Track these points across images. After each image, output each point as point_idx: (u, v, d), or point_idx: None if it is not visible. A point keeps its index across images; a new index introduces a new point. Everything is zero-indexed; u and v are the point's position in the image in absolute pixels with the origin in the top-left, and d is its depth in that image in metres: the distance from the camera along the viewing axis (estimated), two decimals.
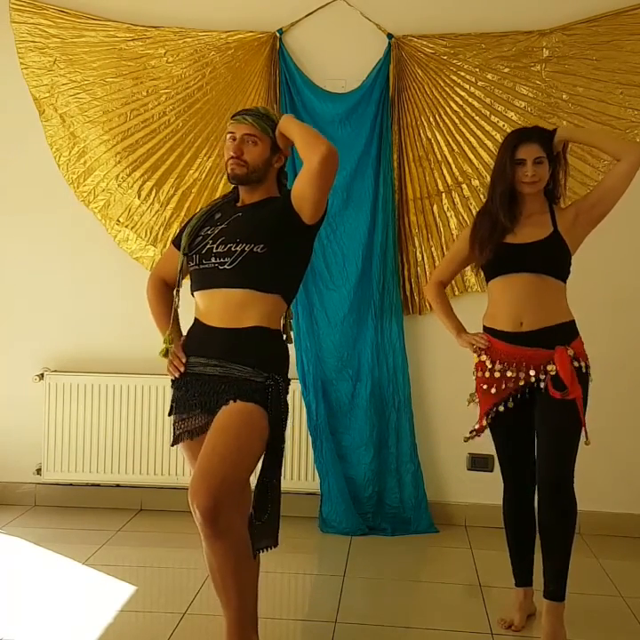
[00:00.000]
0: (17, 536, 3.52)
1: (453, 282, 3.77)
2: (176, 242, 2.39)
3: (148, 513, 3.88)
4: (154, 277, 2.51)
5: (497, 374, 2.58)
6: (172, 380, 2.30)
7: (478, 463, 3.80)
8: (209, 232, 2.26)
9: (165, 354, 2.30)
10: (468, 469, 3.82)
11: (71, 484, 3.92)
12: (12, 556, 3.31)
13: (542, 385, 2.52)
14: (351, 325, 3.75)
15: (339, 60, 3.79)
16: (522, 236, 2.58)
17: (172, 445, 2.31)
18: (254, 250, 2.16)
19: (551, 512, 2.53)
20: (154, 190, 3.86)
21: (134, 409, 3.84)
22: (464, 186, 3.76)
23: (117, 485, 3.92)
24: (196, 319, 2.30)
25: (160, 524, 3.73)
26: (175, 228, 3.82)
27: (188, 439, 2.23)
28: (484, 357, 2.63)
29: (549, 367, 2.50)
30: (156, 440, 3.83)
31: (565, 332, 2.56)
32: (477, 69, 3.71)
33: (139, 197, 3.87)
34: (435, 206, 3.79)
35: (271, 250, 2.17)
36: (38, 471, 3.88)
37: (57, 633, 2.60)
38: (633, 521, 3.67)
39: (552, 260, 2.57)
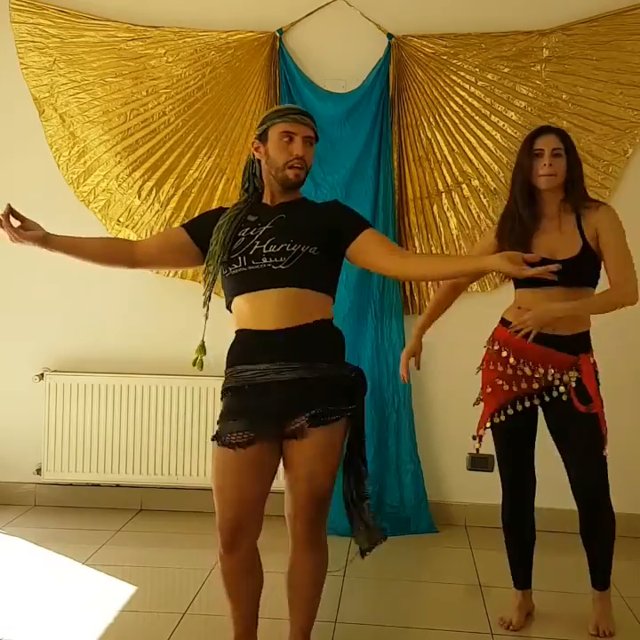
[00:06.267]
0: (17, 536, 3.52)
1: None
2: (192, 230, 2.26)
3: (148, 513, 3.89)
4: (128, 240, 2.41)
5: (514, 370, 2.53)
6: (229, 390, 2.18)
7: (478, 463, 3.78)
8: (252, 233, 2.16)
9: (200, 366, 2.27)
10: (468, 469, 3.80)
11: (71, 484, 3.93)
12: (11, 556, 3.31)
13: (563, 395, 2.49)
14: (351, 325, 3.75)
15: (339, 60, 3.79)
16: (549, 246, 2.49)
17: (216, 440, 2.15)
18: (309, 251, 2.13)
19: (595, 528, 2.59)
20: (154, 190, 3.86)
21: (134, 409, 3.84)
22: (464, 186, 3.76)
23: (117, 485, 3.92)
24: (241, 329, 2.18)
25: (160, 524, 3.73)
26: None
27: (248, 446, 2.09)
28: (505, 353, 2.56)
29: (571, 373, 2.48)
30: (155, 440, 3.83)
31: (587, 340, 2.56)
32: (477, 69, 3.71)
33: (139, 197, 3.87)
34: (435, 206, 3.79)
35: (323, 253, 2.16)
36: (38, 471, 3.88)
37: (57, 633, 2.60)
38: (633, 521, 3.67)
39: (586, 274, 2.52)
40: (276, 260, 2.11)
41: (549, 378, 2.50)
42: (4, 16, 3.86)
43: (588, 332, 2.58)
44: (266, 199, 2.26)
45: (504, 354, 2.56)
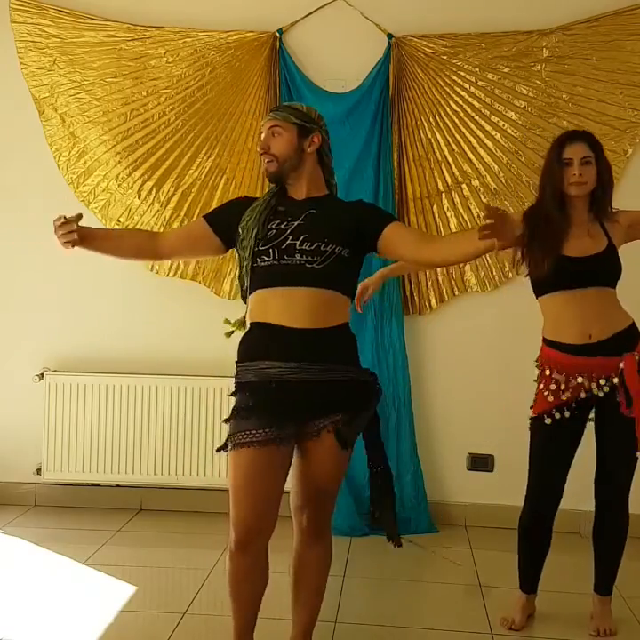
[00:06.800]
0: (17, 536, 3.52)
1: (453, 282, 3.78)
2: (213, 222, 2.25)
3: (148, 513, 3.88)
4: (151, 232, 2.47)
5: (562, 386, 2.52)
6: (240, 386, 2.14)
7: (478, 463, 3.80)
8: (283, 227, 2.13)
9: (229, 335, 2.27)
10: (468, 469, 3.82)
11: (71, 484, 3.92)
12: (12, 556, 3.31)
13: (614, 396, 2.49)
14: (351, 325, 3.73)
15: (339, 59, 3.79)
16: (579, 247, 2.51)
17: (226, 450, 2.11)
18: (342, 253, 2.13)
19: (612, 530, 2.60)
20: (154, 190, 3.85)
21: (134, 409, 3.84)
22: (464, 186, 3.76)
23: (117, 485, 3.92)
24: (260, 323, 2.13)
25: (160, 524, 3.73)
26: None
27: (262, 447, 2.05)
28: (547, 372, 2.55)
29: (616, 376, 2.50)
30: (155, 440, 3.83)
31: (632, 337, 2.55)
32: (477, 69, 3.71)
33: (139, 197, 3.86)
34: (435, 206, 3.79)
35: (352, 255, 2.17)
36: (38, 471, 3.88)
37: (57, 633, 2.60)
38: (632, 521, 3.67)
39: (613, 272, 2.55)
40: (309, 258, 2.10)
41: (600, 382, 2.50)
42: (4, 16, 3.86)
43: (631, 326, 2.56)
44: (291, 194, 2.23)
45: (547, 372, 2.55)
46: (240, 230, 2.17)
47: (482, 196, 3.74)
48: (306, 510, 2.21)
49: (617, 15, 3.63)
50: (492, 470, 3.76)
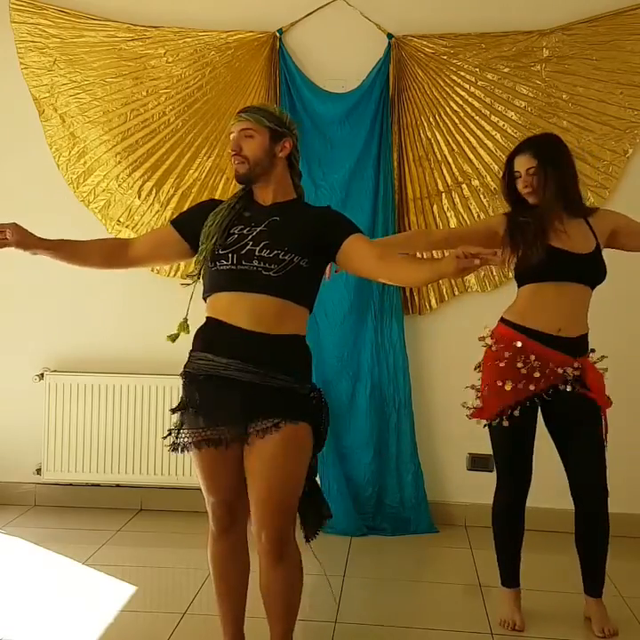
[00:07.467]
0: (17, 536, 3.52)
1: (453, 282, 3.77)
2: (180, 227, 2.26)
3: (148, 513, 3.89)
4: (121, 239, 2.46)
5: (524, 371, 2.54)
6: (187, 378, 2.17)
7: (478, 463, 3.80)
8: (245, 232, 2.15)
9: (174, 339, 2.25)
10: (468, 469, 3.82)
11: (71, 484, 3.93)
12: (11, 556, 3.31)
13: (568, 388, 2.54)
14: (351, 325, 3.75)
15: (339, 60, 3.80)
16: (566, 241, 2.55)
17: (178, 451, 2.16)
18: (300, 263, 2.11)
19: (599, 525, 2.62)
20: (154, 190, 3.86)
21: (134, 409, 3.84)
22: (464, 186, 3.76)
23: (117, 485, 3.92)
24: (212, 318, 2.17)
25: (160, 524, 3.73)
26: None
27: (211, 447, 2.11)
28: (505, 352, 2.58)
29: (574, 371, 2.54)
30: (156, 440, 3.82)
31: (586, 343, 2.62)
32: (477, 69, 3.71)
33: (139, 197, 3.87)
34: (435, 206, 3.79)
35: (311, 265, 2.15)
36: (38, 471, 3.88)
37: (57, 633, 2.60)
38: (633, 521, 3.67)
39: (597, 274, 2.59)
40: (266, 265, 2.10)
41: (554, 376, 2.54)
42: (4, 16, 3.86)
43: (587, 334, 2.62)
44: (258, 198, 2.26)
45: (505, 353, 2.58)
46: (201, 233, 2.19)
47: (482, 196, 3.74)
48: (261, 530, 2.10)
49: (617, 15, 3.63)
50: (492, 470, 3.74)
